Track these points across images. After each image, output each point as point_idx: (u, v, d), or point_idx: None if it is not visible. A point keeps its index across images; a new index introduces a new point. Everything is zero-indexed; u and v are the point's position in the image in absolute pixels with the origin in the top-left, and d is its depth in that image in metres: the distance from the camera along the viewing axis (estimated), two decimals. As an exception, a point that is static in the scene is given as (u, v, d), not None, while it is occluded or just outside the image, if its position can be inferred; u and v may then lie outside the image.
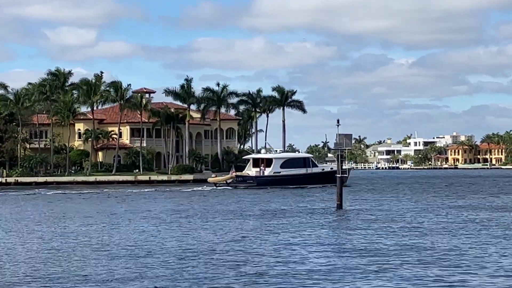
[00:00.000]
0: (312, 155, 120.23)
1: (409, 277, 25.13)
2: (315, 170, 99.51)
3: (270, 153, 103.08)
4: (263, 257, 30.10)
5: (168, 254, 31.00)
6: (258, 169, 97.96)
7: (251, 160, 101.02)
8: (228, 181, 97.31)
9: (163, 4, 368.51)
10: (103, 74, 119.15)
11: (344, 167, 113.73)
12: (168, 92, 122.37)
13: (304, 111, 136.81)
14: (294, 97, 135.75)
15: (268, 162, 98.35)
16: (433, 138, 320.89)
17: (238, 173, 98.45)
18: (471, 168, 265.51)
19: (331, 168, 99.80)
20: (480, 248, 32.27)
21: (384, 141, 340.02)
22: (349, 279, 24.93)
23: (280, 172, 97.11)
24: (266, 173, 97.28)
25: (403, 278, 24.85)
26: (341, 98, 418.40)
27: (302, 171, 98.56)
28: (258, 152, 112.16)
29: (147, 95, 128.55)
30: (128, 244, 34.35)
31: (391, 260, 28.73)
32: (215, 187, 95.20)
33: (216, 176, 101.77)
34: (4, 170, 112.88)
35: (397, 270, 26.45)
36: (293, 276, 25.57)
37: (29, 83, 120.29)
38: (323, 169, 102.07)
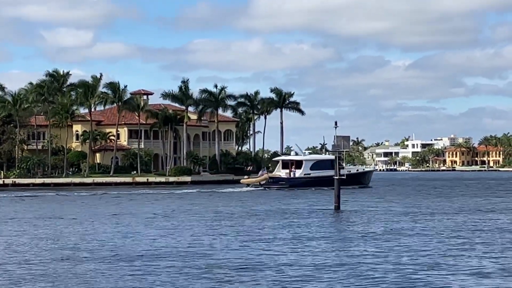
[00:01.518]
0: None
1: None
2: (342, 171, 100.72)
3: (299, 155, 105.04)
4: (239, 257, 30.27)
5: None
6: (287, 171, 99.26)
7: (280, 162, 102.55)
8: (262, 182, 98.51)
9: (160, 5, 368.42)
10: (102, 76, 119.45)
11: (368, 169, 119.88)
12: (165, 95, 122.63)
13: (301, 112, 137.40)
14: (292, 99, 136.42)
15: (298, 164, 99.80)
16: (431, 140, 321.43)
17: (271, 175, 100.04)
18: (469, 171, 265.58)
19: (357, 170, 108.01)
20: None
21: (382, 143, 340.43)
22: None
23: (310, 174, 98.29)
24: (297, 174, 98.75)
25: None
26: (338, 100, 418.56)
27: (330, 172, 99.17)
28: (287, 154, 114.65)
29: (145, 97, 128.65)
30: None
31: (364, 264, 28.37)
32: (248, 187, 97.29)
33: (249, 178, 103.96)
34: (2, 172, 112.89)
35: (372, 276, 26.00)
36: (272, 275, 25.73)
37: (30, 83, 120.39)
38: (349, 171, 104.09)
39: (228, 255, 31.07)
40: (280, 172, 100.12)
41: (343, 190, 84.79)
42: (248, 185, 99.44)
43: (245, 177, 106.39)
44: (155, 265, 28.47)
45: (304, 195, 78.96)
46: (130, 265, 28.52)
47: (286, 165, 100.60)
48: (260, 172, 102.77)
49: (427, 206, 62.22)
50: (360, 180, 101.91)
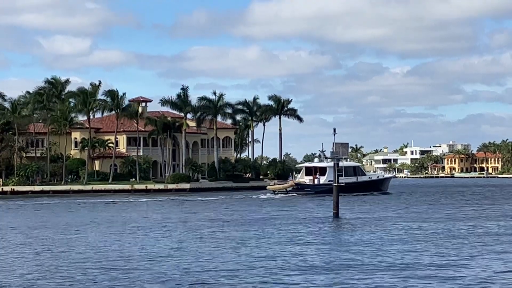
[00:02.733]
0: (360, 164, 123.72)
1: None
2: (364, 178, 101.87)
3: (322, 161, 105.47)
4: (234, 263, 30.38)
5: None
6: (311, 177, 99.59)
7: (303, 169, 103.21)
8: (288, 189, 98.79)
9: (157, 13, 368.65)
10: (101, 84, 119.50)
11: (386, 175, 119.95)
12: (164, 102, 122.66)
13: (300, 119, 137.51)
14: (290, 106, 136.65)
15: (322, 171, 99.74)
16: (430, 147, 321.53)
17: (296, 181, 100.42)
18: (468, 177, 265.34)
19: (378, 177, 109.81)
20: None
21: (380, 150, 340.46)
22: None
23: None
24: (321, 181, 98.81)
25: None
26: (336, 107, 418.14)
27: (353, 179, 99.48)
28: (311, 160, 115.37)
29: (143, 104, 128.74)
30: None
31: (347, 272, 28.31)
32: (274, 194, 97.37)
33: (275, 184, 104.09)
34: (1, 179, 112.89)
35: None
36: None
37: (28, 92, 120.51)
38: (370, 178, 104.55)
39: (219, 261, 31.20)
40: (304, 179, 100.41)
41: (364, 196, 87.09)
42: (274, 191, 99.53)
43: (271, 183, 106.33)
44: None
45: (317, 202, 78.98)
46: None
47: (309, 171, 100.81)
48: (289, 179, 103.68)
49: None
50: (379, 186, 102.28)
